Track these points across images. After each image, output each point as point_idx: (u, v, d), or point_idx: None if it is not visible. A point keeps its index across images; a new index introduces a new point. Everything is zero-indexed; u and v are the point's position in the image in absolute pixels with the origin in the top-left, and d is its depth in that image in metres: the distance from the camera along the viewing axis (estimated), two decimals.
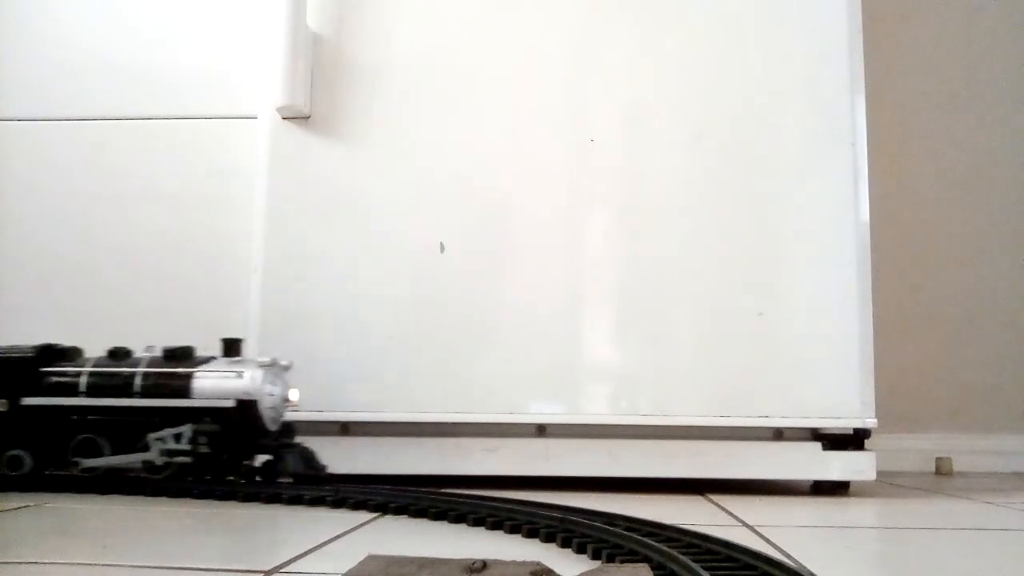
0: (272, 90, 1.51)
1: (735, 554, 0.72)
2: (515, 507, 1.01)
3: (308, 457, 1.27)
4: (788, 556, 0.81)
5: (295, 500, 1.17)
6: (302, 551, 0.82)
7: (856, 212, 1.44)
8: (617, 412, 1.42)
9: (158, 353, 1.32)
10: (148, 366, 1.30)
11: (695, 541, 0.78)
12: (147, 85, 1.85)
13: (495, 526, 0.97)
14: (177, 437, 1.23)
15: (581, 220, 1.49)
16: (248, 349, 1.46)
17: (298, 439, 1.30)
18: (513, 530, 0.94)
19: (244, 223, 1.61)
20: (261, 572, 0.72)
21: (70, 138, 1.84)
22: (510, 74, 1.52)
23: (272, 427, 1.27)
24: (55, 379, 1.31)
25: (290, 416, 1.32)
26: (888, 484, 1.60)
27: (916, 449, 2.00)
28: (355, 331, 1.32)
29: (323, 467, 1.28)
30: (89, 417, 1.29)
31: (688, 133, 1.48)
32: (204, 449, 1.22)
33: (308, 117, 1.53)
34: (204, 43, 1.85)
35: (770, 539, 0.92)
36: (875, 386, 1.41)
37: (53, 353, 1.34)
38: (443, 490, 1.18)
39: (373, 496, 1.12)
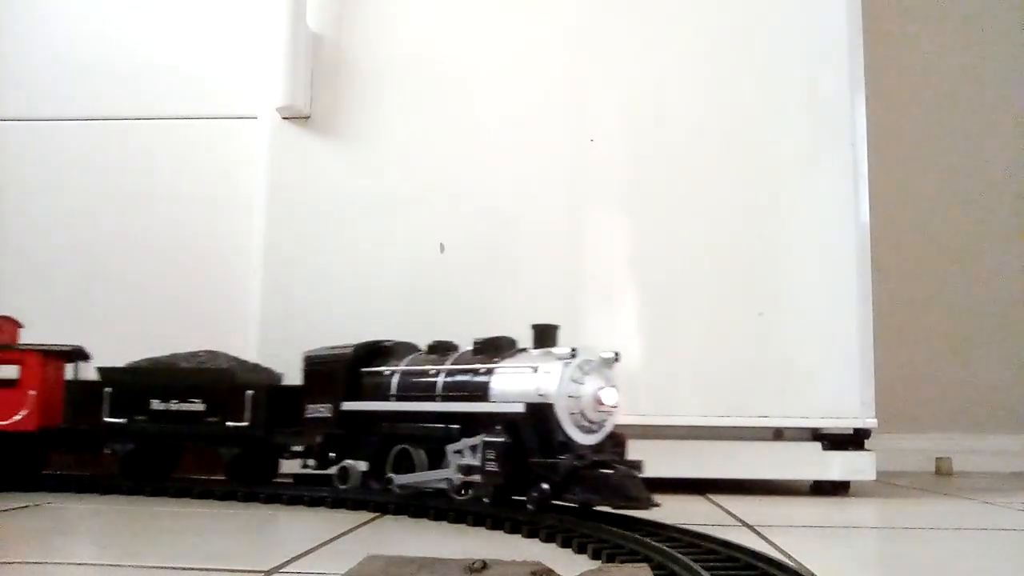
0: (272, 90, 1.52)
1: (735, 554, 0.72)
2: (515, 507, 1.00)
3: (617, 483, 0.91)
4: (788, 556, 0.81)
5: (295, 500, 1.17)
6: (302, 551, 0.82)
7: (856, 212, 1.44)
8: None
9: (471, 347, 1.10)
10: (455, 362, 1.08)
11: (695, 541, 0.78)
12: (147, 85, 1.84)
13: (495, 526, 0.97)
14: (474, 450, 1.00)
15: (581, 220, 1.48)
16: (250, 349, 1.45)
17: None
18: (513, 530, 0.94)
19: (244, 223, 1.61)
20: (261, 572, 0.72)
21: (70, 138, 1.84)
22: (510, 75, 1.52)
23: (582, 439, 0.96)
24: (369, 380, 1.15)
25: (619, 424, 1.01)
26: (888, 484, 1.60)
27: (916, 449, 2.00)
28: (354, 330, 1.32)
29: (644, 497, 0.90)
30: (399, 424, 1.10)
31: (688, 133, 1.48)
32: (492, 466, 0.97)
33: (308, 117, 1.53)
34: (204, 43, 1.85)
35: (770, 539, 0.92)
36: (875, 386, 1.41)
37: (375, 351, 1.19)
38: None
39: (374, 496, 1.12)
